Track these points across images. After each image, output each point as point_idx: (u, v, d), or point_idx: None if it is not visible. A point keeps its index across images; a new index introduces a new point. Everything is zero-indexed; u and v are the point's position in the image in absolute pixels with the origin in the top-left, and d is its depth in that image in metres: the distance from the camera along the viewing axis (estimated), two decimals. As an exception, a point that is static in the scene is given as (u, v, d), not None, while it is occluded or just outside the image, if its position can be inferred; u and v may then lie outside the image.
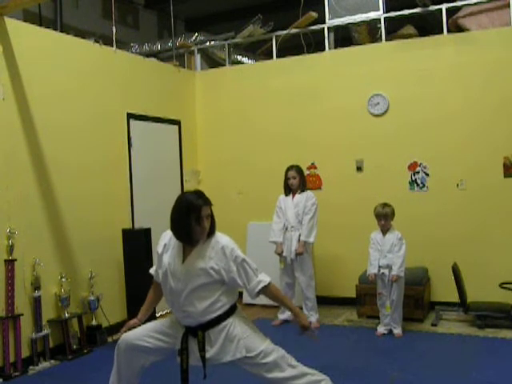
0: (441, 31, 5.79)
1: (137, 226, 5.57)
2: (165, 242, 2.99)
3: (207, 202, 2.87)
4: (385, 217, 4.93)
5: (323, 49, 6.31)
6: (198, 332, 2.86)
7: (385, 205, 4.97)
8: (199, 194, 2.90)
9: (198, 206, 2.81)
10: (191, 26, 9.80)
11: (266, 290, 2.92)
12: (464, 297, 5.16)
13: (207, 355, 2.87)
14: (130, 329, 3.04)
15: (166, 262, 2.93)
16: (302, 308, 5.42)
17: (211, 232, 2.90)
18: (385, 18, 6.05)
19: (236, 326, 2.91)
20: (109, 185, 5.38)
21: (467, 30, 5.79)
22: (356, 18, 6.17)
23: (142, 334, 3.00)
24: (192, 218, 2.80)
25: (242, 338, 2.89)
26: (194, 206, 2.81)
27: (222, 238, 2.92)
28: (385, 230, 4.98)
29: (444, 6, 5.77)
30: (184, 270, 2.86)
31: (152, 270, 3.18)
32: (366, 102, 6.00)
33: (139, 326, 3.08)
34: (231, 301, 2.95)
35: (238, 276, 2.86)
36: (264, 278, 2.91)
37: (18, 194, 4.44)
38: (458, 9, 5.90)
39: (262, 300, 6.15)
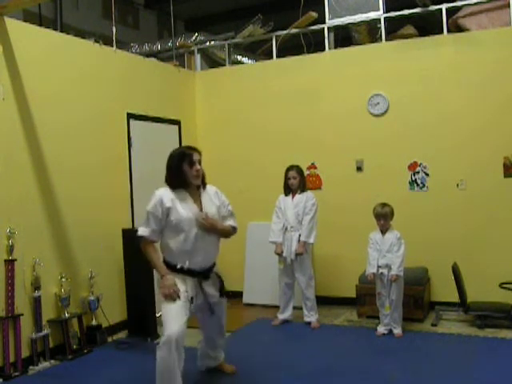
0: (441, 31, 5.79)
1: (137, 225, 5.55)
2: (170, 197, 3.40)
3: (197, 149, 3.53)
4: (384, 217, 4.93)
5: (323, 49, 6.31)
6: (208, 274, 3.51)
7: (384, 205, 4.98)
8: (189, 146, 3.63)
9: (190, 152, 3.48)
10: (191, 26, 9.81)
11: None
12: (464, 297, 5.16)
13: (211, 291, 3.54)
14: (173, 291, 3.29)
15: (183, 213, 3.37)
16: (302, 308, 5.44)
17: (204, 183, 3.60)
18: (385, 18, 6.05)
19: None
20: (109, 185, 5.38)
21: (467, 29, 5.79)
22: (356, 17, 6.17)
23: (182, 320, 3.23)
24: (185, 163, 3.41)
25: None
26: (186, 152, 3.48)
27: (211, 186, 3.69)
28: (384, 230, 4.97)
29: (444, 6, 5.77)
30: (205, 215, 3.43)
31: (145, 232, 3.37)
32: (366, 102, 6.00)
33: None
34: None
35: (223, 216, 3.65)
36: (234, 224, 3.71)
37: (18, 194, 4.43)
38: (458, 9, 5.90)
39: (262, 300, 6.20)
